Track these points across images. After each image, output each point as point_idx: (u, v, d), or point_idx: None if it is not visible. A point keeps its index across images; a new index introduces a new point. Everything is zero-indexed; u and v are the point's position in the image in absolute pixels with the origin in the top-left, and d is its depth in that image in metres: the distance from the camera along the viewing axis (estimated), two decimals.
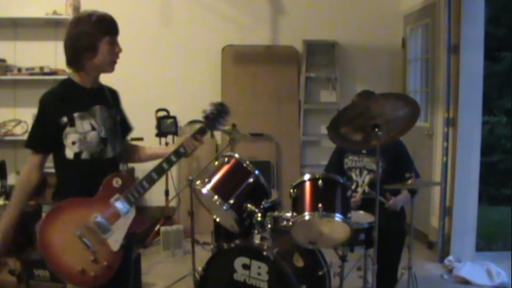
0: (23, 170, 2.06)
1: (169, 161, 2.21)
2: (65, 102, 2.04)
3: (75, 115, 2.03)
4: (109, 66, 2.08)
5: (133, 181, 2.13)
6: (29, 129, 2.09)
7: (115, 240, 2.02)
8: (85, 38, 1.99)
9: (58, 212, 1.99)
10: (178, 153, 2.27)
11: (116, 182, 2.07)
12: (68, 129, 2.01)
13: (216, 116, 2.35)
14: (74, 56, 2.02)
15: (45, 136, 2.05)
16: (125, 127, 2.32)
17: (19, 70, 4.82)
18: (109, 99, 2.18)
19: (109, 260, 2.02)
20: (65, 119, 2.01)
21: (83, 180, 2.04)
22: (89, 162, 2.06)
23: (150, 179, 2.12)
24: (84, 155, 2.04)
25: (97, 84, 2.16)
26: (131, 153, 2.39)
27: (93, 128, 2.06)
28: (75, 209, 2.00)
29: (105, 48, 2.03)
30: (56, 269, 1.99)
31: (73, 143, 2.02)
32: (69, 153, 2.03)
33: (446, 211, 4.15)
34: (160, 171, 2.16)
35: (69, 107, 2.03)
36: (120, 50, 2.09)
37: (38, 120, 2.05)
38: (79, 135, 2.03)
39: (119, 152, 2.18)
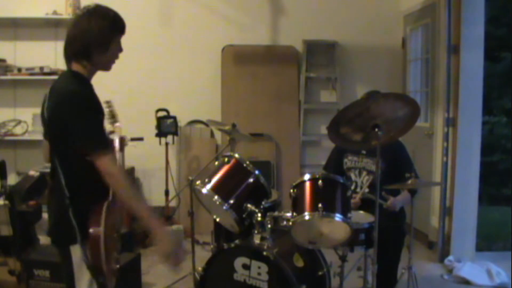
0: (123, 176, 1.85)
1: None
2: (96, 97, 1.93)
3: (104, 112, 1.98)
4: (111, 64, 2.04)
5: None
6: (89, 130, 1.83)
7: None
8: (101, 33, 1.91)
9: (109, 213, 1.89)
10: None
11: None
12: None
13: None
14: (85, 49, 1.92)
15: (105, 133, 1.91)
16: None
17: (19, 70, 4.82)
18: None
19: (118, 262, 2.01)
20: (101, 116, 1.93)
21: (101, 183, 1.88)
22: None
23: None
24: None
25: None
26: None
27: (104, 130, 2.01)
28: (114, 212, 1.96)
29: (115, 46, 1.98)
30: (108, 269, 1.87)
31: None
32: None
33: (446, 211, 4.16)
34: None
35: (100, 103, 1.95)
36: (122, 51, 2.05)
37: (95, 118, 1.87)
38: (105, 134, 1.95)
39: None
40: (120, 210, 2.03)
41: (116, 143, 2.20)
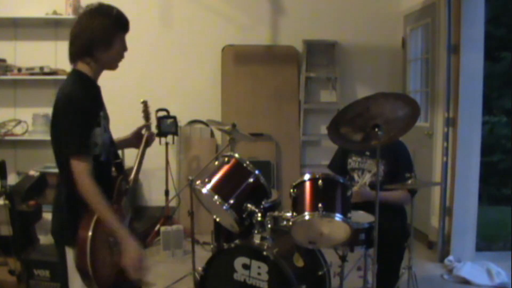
0: (88, 182, 1.81)
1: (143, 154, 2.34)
2: (94, 99, 1.94)
3: (101, 114, 1.96)
4: (116, 63, 2.02)
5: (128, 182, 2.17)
6: (68, 132, 1.83)
7: None
8: (103, 30, 1.91)
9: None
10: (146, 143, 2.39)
11: (124, 185, 2.10)
12: (96, 129, 1.91)
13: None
14: (88, 46, 1.90)
15: (88, 137, 1.87)
16: None
17: (19, 70, 4.82)
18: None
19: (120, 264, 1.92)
20: (95, 119, 1.91)
21: (100, 182, 1.86)
22: (105, 164, 2.00)
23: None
24: (102, 157, 1.97)
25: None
26: None
27: (105, 130, 2.01)
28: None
29: (119, 44, 1.97)
30: (95, 273, 1.83)
31: (95, 144, 1.91)
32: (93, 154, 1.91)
33: (446, 211, 4.15)
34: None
35: (97, 105, 1.95)
36: (126, 50, 2.04)
37: (79, 121, 1.84)
38: (100, 137, 1.94)
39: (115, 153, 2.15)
40: (120, 215, 2.01)
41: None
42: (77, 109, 1.83)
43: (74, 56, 1.96)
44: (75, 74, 1.95)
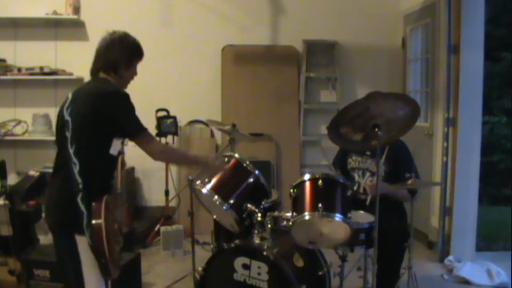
0: (161, 147, 2.49)
1: None
2: None
3: None
4: (127, 83, 2.42)
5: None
6: (133, 118, 2.26)
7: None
8: (128, 52, 2.36)
9: (109, 207, 2.11)
10: None
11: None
12: None
13: None
14: (114, 64, 2.30)
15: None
16: None
17: (19, 70, 4.82)
18: None
19: (120, 253, 2.22)
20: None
21: (110, 174, 2.25)
22: (115, 159, 2.30)
23: None
24: (114, 152, 2.26)
25: None
26: None
27: None
28: (114, 205, 2.18)
29: (134, 67, 2.41)
30: (112, 260, 2.05)
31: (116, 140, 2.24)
32: (113, 149, 2.23)
33: (446, 211, 4.15)
34: None
35: None
36: (137, 74, 2.46)
37: (133, 109, 2.27)
38: None
39: None
40: (118, 204, 2.26)
41: None
42: (129, 100, 2.24)
43: (98, 68, 2.31)
44: (105, 80, 2.30)
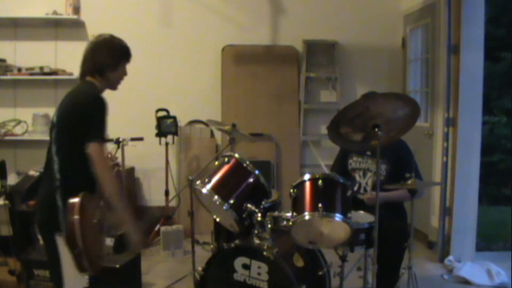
0: (107, 167, 2.26)
1: None
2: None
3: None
4: (116, 84, 2.46)
5: None
6: (97, 123, 2.23)
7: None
8: (114, 55, 2.39)
9: (87, 203, 2.14)
10: None
11: None
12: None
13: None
14: (101, 66, 2.35)
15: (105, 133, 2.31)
16: None
17: (19, 70, 4.82)
18: None
19: (103, 251, 2.30)
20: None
21: (90, 173, 2.22)
22: None
23: None
24: None
25: None
26: None
27: None
28: (94, 202, 2.22)
29: (121, 69, 2.43)
30: (88, 256, 2.08)
31: None
32: None
33: (446, 211, 4.15)
34: None
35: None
36: (126, 75, 2.47)
37: (104, 117, 2.25)
38: None
39: None
40: (100, 200, 2.27)
41: None
42: (103, 108, 2.23)
43: (86, 72, 2.36)
44: (91, 83, 2.35)
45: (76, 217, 2.04)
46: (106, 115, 2.26)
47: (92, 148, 2.17)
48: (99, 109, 2.23)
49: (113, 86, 2.45)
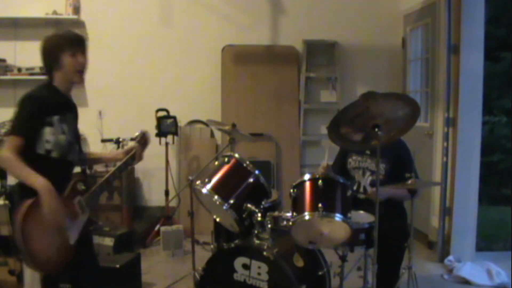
0: (8, 154, 2.20)
1: (125, 165, 2.53)
2: (50, 104, 2.34)
3: (55, 117, 2.31)
4: (75, 76, 2.36)
5: (91, 187, 2.42)
6: (16, 119, 2.31)
7: (73, 235, 2.33)
8: (49, 55, 2.39)
9: (38, 206, 2.18)
10: (130, 161, 2.56)
11: (80, 186, 2.38)
12: (47, 128, 2.29)
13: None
14: (47, 69, 2.41)
15: (32, 128, 2.29)
16: (78, 139, 2.57)
17: (19, 70, 4.82)
18: (76, 111, 2.51)
19: (66, 251, 2.30)
20: (47, 118, 2.30)
21: (50, 176, 2.20)
22: (58, 161, 2.33)
23: (106, 184, 2.46)
24: (54, 154, 2.30)
25: (69, 95, 2.46)
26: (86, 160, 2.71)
27: (63, 132, 2.34)
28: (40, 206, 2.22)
29: (68, 61, 2.34)
30: (30, 257, 2.17)
31: (47, 141, 2.28)
32: (41, 148, 2.28)
33: (446, 211, 4.15)
34: (115, 176, 2.52)
35: (52, 109, 2.33)
36: (83, 61, 2.36)
37: (30, 114, 2.29)
38: (53, 136, 2.30)
39: (78, 157, 2.50)
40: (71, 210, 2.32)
41: None
42: (27, 105, 2.29)
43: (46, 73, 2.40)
44: (44, 82, 2.39)
45: (19, 218, 2.12)
46: (30, 113, 2.29)
47: (6, 140, 2.25)
48: (22, 106, 2.30)
49: (73, 79, 2.39)
